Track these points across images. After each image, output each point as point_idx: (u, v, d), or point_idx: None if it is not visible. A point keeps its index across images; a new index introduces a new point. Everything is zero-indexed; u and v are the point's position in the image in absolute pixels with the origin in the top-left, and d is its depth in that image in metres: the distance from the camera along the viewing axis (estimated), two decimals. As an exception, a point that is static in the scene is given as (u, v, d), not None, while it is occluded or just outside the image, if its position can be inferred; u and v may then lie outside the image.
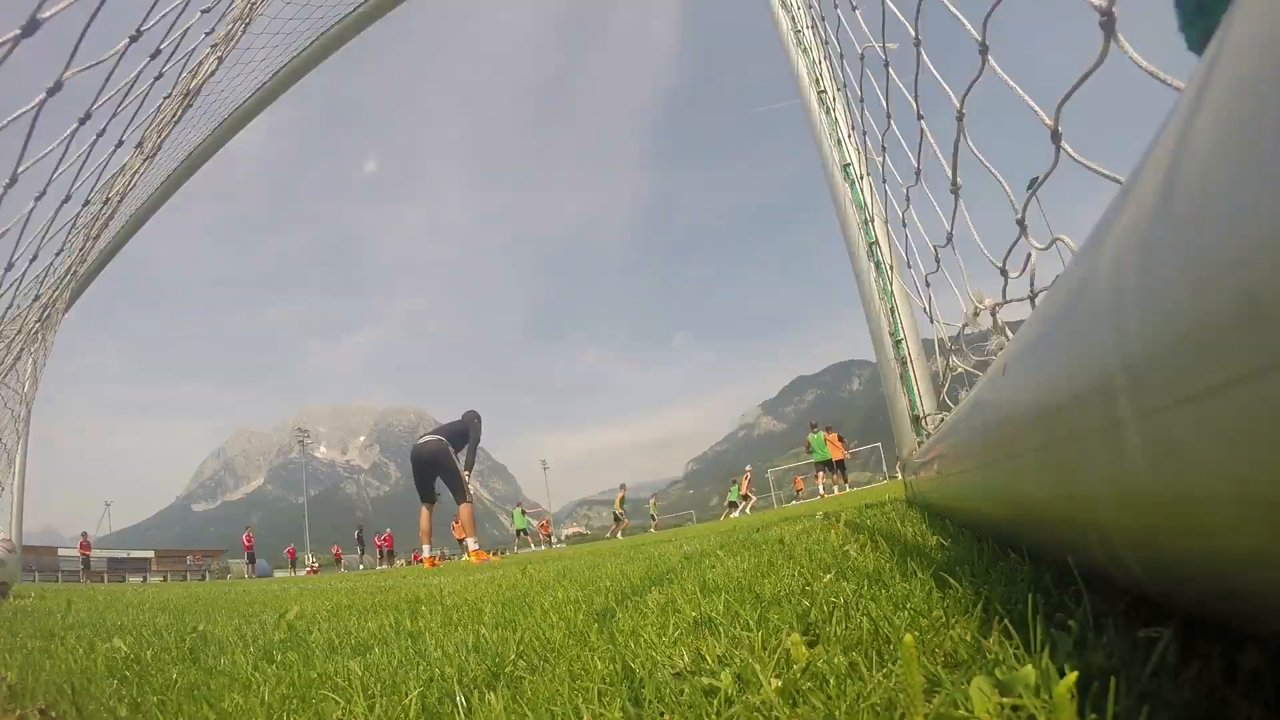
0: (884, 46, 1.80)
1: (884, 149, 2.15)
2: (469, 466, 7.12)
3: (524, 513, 20.58)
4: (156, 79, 2.23)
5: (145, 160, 3.66)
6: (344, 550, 32.99)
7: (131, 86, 2.07)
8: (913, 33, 1.48)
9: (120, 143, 2.36)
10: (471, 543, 6.93)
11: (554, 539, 26.16)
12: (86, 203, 2.56)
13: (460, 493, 6.98)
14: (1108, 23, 0.72)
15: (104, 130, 1.99)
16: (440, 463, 6.99)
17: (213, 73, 3.65)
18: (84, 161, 1.98)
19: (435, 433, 7.20)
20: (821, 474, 14.83)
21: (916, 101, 1.62)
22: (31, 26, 1.20)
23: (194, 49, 2.81)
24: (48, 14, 1.22)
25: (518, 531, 20.55)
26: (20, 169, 1.50)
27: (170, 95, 3.07)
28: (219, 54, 3.50)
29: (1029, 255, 1.12)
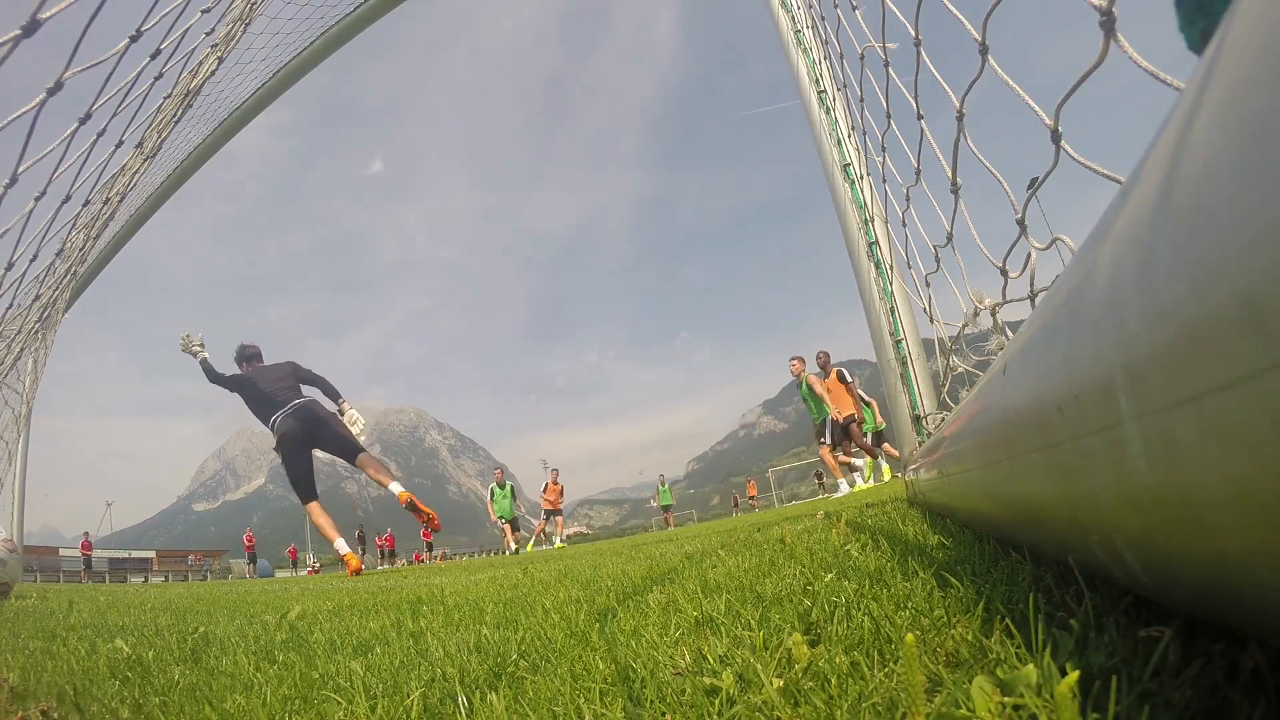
0: (884, 46, 1.80)
1: (884, 149, 2.15)
2: None
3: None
4: (156, 79, 2.23)
5: (145, 160, 3.66)
6: (345, 550, 32.90)
7: (131, 86, 2.07)
8: (913, 33, 1.48)
9: (120, 143, 2.36)
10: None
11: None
12: (86, 203, 2.56)
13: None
14: (1108, 23, 0.72)
15: (104, 130, 1.99)
16: None
17: (213, 73, 3.65)
18: (84, 161, 1.98)
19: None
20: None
21: (916, 101, 1.61)
22: (31, 26, 1.20)
23: (194, 49, 2.81)
24: (48, 14, 1.22)
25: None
26: (20, 169, 1.50)
27: (170, 95, 3.07)
28: (219, 54, 3.50)
29: (1029, 255, 1.12)
